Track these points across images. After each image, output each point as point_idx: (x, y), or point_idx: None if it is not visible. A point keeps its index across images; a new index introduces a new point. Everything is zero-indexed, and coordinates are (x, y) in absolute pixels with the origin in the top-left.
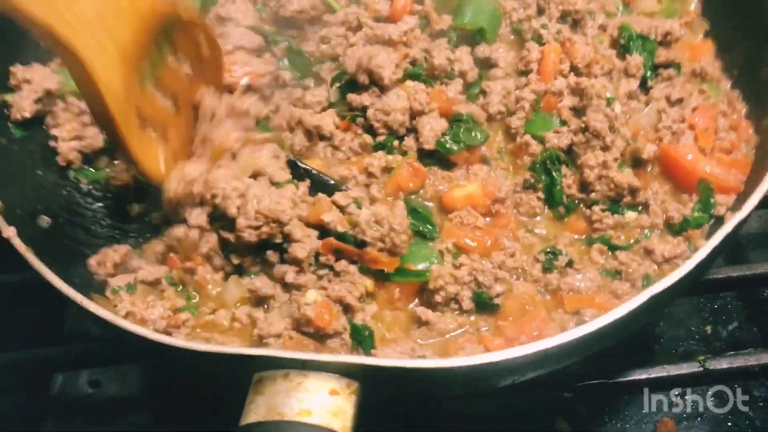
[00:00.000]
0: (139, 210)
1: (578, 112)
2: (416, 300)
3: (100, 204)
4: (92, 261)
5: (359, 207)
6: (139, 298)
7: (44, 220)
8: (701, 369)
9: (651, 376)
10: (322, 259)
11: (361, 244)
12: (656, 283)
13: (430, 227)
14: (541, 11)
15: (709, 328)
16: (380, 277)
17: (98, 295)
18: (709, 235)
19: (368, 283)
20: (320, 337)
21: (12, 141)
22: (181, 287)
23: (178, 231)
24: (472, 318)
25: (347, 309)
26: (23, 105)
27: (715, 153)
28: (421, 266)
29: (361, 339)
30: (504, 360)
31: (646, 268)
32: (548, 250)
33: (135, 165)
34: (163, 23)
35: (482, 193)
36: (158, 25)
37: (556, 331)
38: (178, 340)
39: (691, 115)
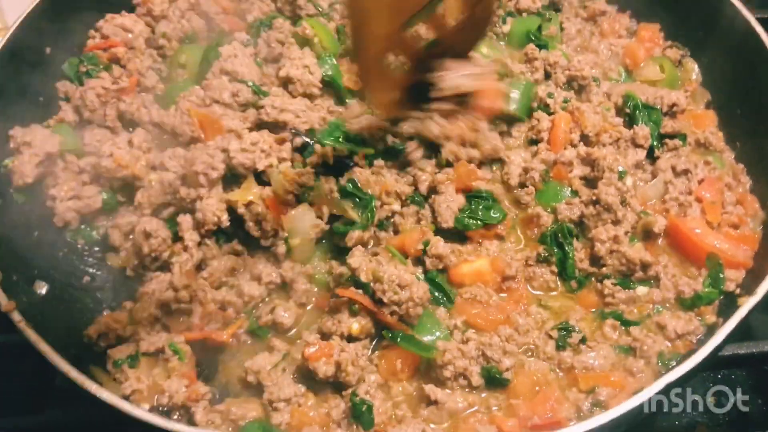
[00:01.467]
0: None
1: (589, 182)
2: (420, 376)
3: (97, 270)
4: (91, 332)
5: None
6: (144, 372)
7: (42, 286)
8: None
9: None
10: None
11: (377, 301)
12: (672, 371)
13: (446, 298)
14: (548, 76)
15: (712, 399)
16: (381, 343)
17: (97, 368)
18: (720, 311)
19: (354, 326)
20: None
21: (9, 203)
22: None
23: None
24: (483, 395)
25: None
26: (25, 170)
27: (722, 227)
28: (426, 339)
29: (359, 414)
30: None
31: (660, 345)
32: (561, 326)
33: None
34: None
35: (491, 270)
36: None
37: (570, 411)
38: (191, 428)
39: (698, 188)
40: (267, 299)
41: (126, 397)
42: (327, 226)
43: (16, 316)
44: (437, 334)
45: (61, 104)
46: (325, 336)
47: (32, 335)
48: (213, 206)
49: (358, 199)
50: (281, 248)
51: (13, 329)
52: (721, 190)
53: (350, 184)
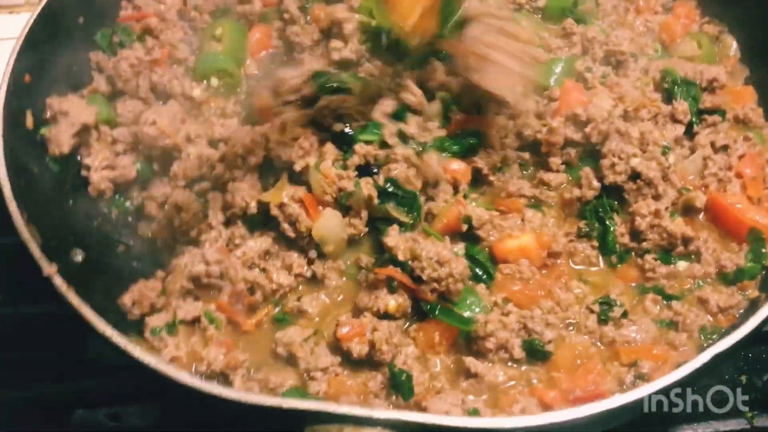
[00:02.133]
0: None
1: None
2: (459, 350)
3: (131, 240)
4: (126, 300)
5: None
6: (183, 340)
7: (78, 254)
8: (749, 427)
9: None
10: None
11: (416, 279)
12: (719, 342)
13: (486, 275)
14: (585, 51)
15: (744, 378)
16: (420, 314)
17: (135, 334)
18: (762, 285)
19: (391, 303)
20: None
21: (44, 170)
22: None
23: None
24: (523, 369)
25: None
26: (61, 140)
27: (764, 203)
28: (466, 314)
29: (398, 383)
30: (566, 420)
31: (702, 319)
32: (602, 300)
33: None
34: None
35: (537, 245)
36: None
37: (613, 384)
38: (233, 391)
39: (738, 163)
40: (296, 290)
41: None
42: (365, 229)
43: (58, 280)
44: (477, 310)
45: (94, 75)
46: (358, 312)
47: (75, 300)
48: (244, 191)
49: (401, 197)
50: (313, 253)
51: (46, 299)
52: (762, 165)
53: (389, 184)
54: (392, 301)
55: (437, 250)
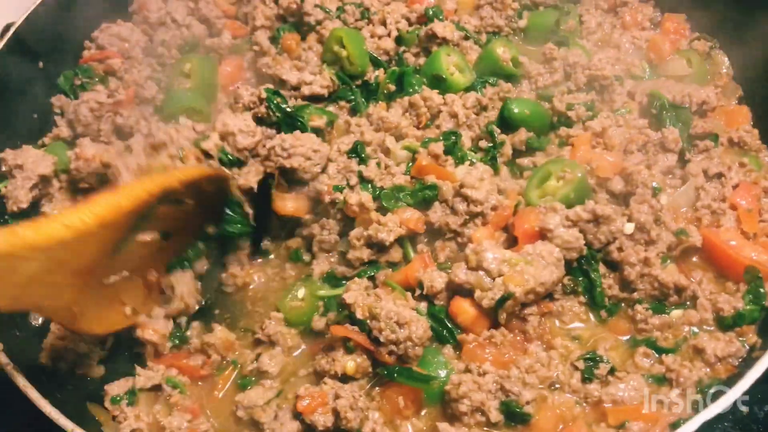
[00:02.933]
0: None
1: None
2: (435, 414)
3: None
4: (44, 359)
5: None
6: (144, 409)
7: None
8: None
9: None
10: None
11: (374, 340)
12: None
13: (452, 338)
14: (567, 77)
15: (745, 409)
16: (381, 380)
17: (95, 404)
18: (761, 329)
19: (350, 365)
20: None
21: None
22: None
23: None
24: None
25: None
26: (19, 196)
27: (760, 237)
28: (441, 373)
29: None
30: None
31: (698, 372)
32: (588, 356)
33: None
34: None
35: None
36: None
37: None
38: None
39: (732, 194)
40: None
41: None
42: None
43: (3, 359)
44: (442, 373)
45: (56, 119)
46: (319, 375)
47: (21, 381)
48: None
49: None
50: None
51: None
52: (757, 195)
53: None
54: (350, 363)
55: (397, 309)
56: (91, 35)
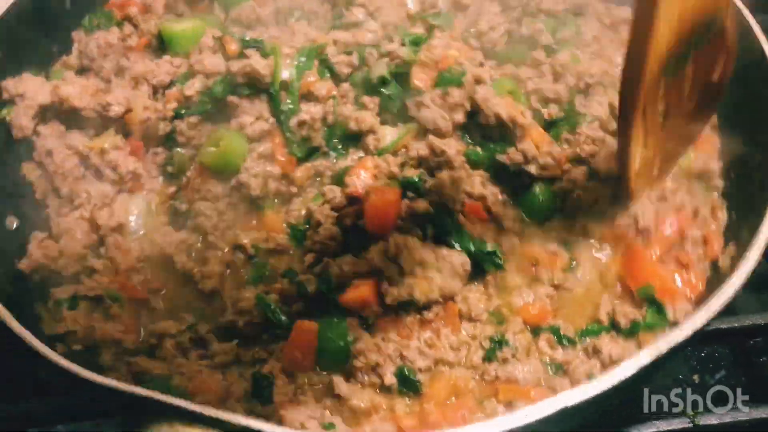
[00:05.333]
0: None
1: None
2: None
3: None
4: (24, 266)
5: None
6: (82, 315)
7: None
8: (691, 425)
9: None
10: None
11: None
12: (570, 392)
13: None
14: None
15: (696, 377)
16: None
17: (41, 304)
18: None
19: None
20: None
21: None
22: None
23: None
24: (393, 400)
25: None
26: (22, 123)
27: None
28: (340, 343)
29: (258, 390)
30: None
31: (591, 368)
32: (496, 338)
33: (623, 150)
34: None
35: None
36: (704, 21)
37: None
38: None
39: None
40: None
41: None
42: None
43: None
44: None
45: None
46: None
47: None
48: None
49: None
50: None
51: None
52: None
53: None
54: None
55: None
56: None
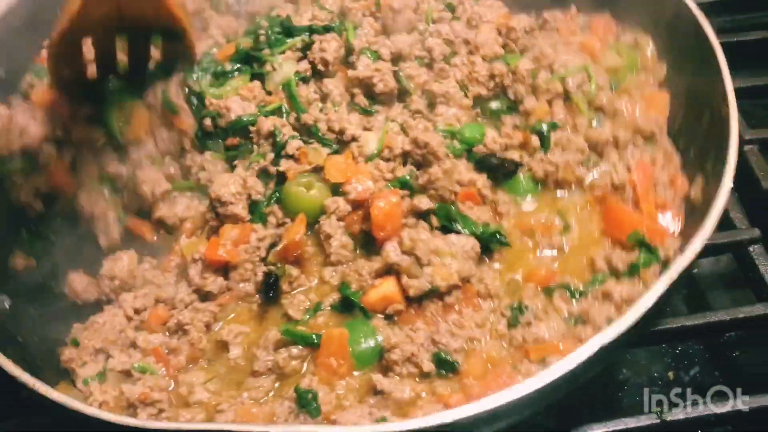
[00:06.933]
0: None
1: None
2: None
3: None
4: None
5: None
6: (111, 386)
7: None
8: (658, 421)
9: (609, 431)
10: None
11: None
12: (604, 333)
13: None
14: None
15: (671, 374)
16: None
17: (66, 383)
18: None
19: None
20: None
21: None
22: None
23: None
24: (432, 384)
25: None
26: None
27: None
28: (371, 343)
29: (305, 403)
30: (461, 418)
31: (608, 311)
32: (514, 305)
33: None
34: None
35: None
36: None
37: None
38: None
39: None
40: None
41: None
42: None
43: None
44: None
45: None
46: None
47: None
48: None
49: None
50: None
51: None
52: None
53: None
54: None
55: None
56: None
